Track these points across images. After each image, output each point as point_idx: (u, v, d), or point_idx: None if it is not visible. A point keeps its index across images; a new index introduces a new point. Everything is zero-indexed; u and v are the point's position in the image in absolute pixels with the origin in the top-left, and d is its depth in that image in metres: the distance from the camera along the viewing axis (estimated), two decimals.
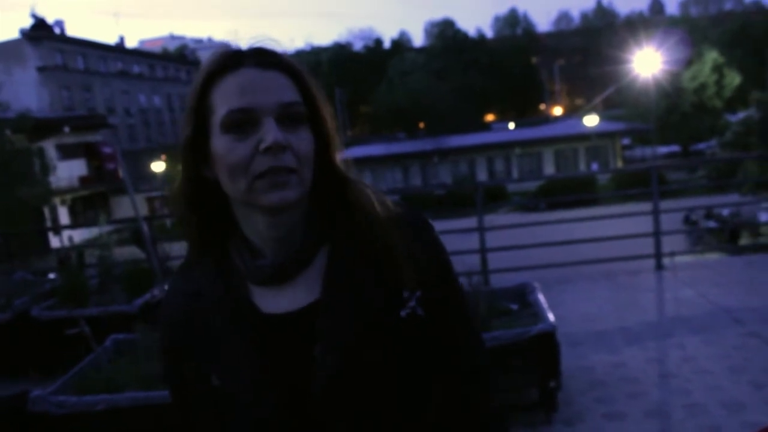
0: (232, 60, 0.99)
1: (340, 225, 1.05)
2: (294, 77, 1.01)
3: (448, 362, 1.07)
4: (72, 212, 31.52)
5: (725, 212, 18.70)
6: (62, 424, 3.46)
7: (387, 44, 73.50)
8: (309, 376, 0.98)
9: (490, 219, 7.30)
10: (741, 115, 29.71)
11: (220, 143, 0.98)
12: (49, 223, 26.55)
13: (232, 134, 0.97)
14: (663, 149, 42.60)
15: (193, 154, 1.02)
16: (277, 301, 1.03)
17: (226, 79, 0.98)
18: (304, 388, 0.98)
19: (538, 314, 4.17)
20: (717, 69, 43.17)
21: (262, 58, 1.00)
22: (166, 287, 4.87)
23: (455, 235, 6.32)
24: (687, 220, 17.38)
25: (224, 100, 0.97)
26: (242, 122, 0.96)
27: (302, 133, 0.99)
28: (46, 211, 26.47)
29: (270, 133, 0.95)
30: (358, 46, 73.08)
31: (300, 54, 63.65)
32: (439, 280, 1.06)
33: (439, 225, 1.24)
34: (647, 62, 34.89)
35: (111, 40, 53.62)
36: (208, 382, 1.02)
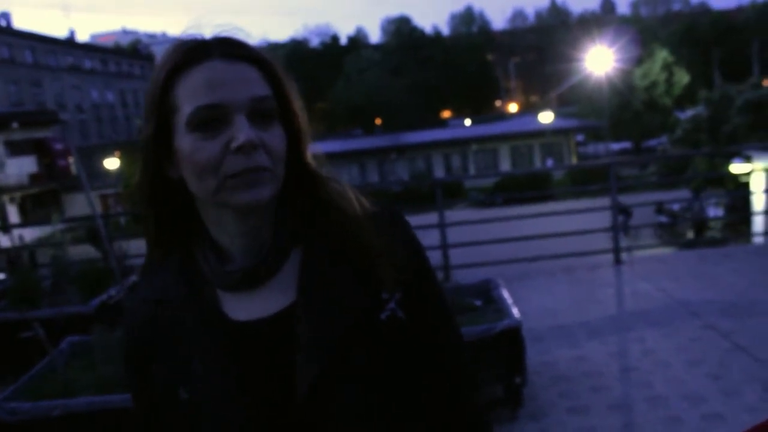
0: (196, 52, 0.92)
1: (312, 224, 1.00)
2: (263, 69, 0.94)
3: (432, 361, 1.03)
4: (22, 210, 30.60)
5: (676, 207, 19.22)
6: None
7: (343, 41, 73.33)
8: (286, 384, 0.93)
9: (448, 215, 7.32)
10: (690, 112, 30.50)
11: (186, 142, 0.91)
12: None
13: (200, 132, 0.90)
14: (615, 146, 43.49)
15: (155, 153, 0.95)
16: (247, 307, 0.97)
17: (191, 73, 0.91)
18: (281, 398, 0.94)
19: (502, 310, 4.18)
20: (667, 68, 44.28)
21: (228, 49, 0.93)
22: (125, 287, 4.75)
23: (415, 231, 6.30)
24: (660, 210, 18.33)
25: (190, 96, 0.90)
26: (211, 119, 0.90)
27: (274, 129, 0.93)
28: None
29: (242, 131, 0.89)
30: (314, 42, 72.81)
31: None
32: (418, 278, 1.02)
33: None
34: (600, 60, 35.52)
35: (61, 34, 52.31)
36: (175, 394, 0.96)
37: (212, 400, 0.94)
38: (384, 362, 0.96)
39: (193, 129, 0.90)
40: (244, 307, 0.97)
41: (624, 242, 11.94)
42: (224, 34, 0.95)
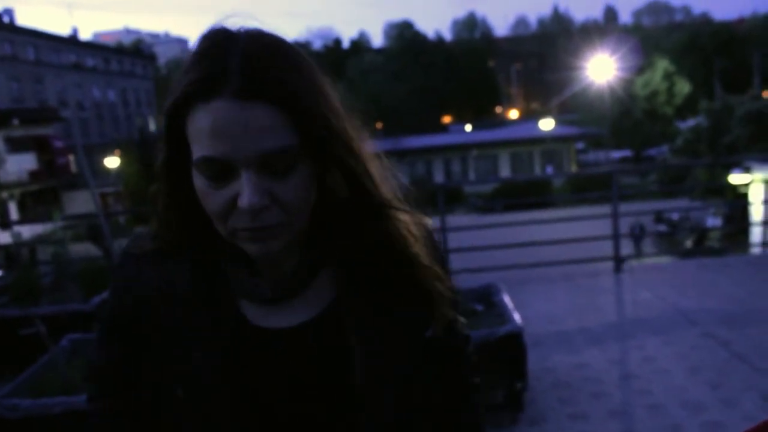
0: (209, 81, 0.80)
1: (354, 238, 0.96)
2: (289, 110, 0.81)
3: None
4: (21, 207, 30.60)
5: (675, 216, 19.24)
6: (17, 428, 3.32)
7: (346, 44, 73.45)
8: (295, 396, 0.93)
9: (448, 220, 7.33)
10: (691, 122, 30.57)
11: (197, 180, 0.85)
12: None
13: (209, 181, 0.83)
14: (616, 154, 43.60)
15: (174, 172, 0.89)
16: (271, 315, 0.95)
17: (197, 112, 0.81)
18: (287, 408, 0.93)
19: (503, 315, 4.19)
20: (668, 77, 44.44)
21: (247, 83, 0.79)
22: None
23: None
24: (632, 233, 15.61)
25: (195, 139, 0.82)
26: (216, 170, 0.82)
27: (292, 179, 0.83)
28: None
29: (246, 194, 0.81)
30: (317, 45, 72.80)
31: None
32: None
33: None
34: (601, 68, 35.66)
35: (64, 31, 52.37)
36: (169, 389, 0.93)
37: (213, 402, 0.91)
38: (423, 380, 1.00)
39: (201, 174, 0.84)
40: (267, 316, 0.95)
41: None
42: (250, 27, 0.86)
